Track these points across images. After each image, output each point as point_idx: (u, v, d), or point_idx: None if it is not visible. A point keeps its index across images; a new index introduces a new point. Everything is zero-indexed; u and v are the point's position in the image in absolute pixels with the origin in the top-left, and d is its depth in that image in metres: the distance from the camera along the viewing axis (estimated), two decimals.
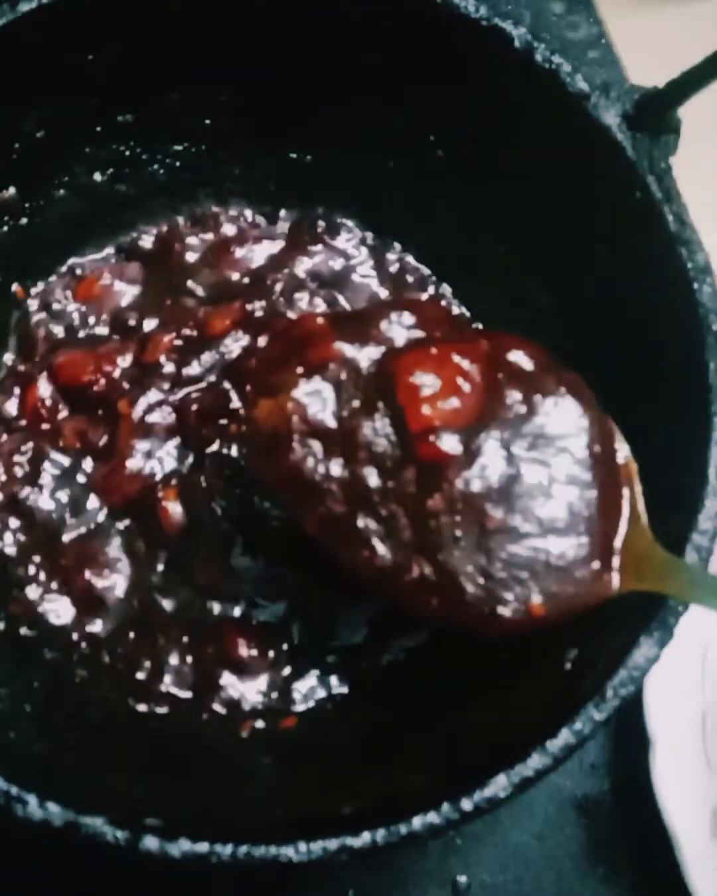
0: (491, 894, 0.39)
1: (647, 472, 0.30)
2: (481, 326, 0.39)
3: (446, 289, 0.40)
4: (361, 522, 0.29)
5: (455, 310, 0.39)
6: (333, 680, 0.34)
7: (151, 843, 0.26)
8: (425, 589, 0.28)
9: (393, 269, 0.39)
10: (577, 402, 0.30)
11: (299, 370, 0.30)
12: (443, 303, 0.40)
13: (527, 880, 0.39)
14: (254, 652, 0.33)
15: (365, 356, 0.30)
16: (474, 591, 0.28)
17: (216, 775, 0.31)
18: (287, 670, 0.34)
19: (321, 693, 0.34)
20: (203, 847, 0.26)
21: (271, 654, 0.34)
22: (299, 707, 0.34)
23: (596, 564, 0.28)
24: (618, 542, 0.29)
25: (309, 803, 0.29)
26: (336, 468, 0.29)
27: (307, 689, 0.34)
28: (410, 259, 0.40)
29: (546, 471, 0.29)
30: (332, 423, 0.29)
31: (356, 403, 0.30)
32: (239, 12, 0.35)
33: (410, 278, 0.39)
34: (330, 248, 0.38)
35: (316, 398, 0.30)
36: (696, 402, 0.31)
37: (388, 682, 0.34)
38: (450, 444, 0.29)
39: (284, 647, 0.34)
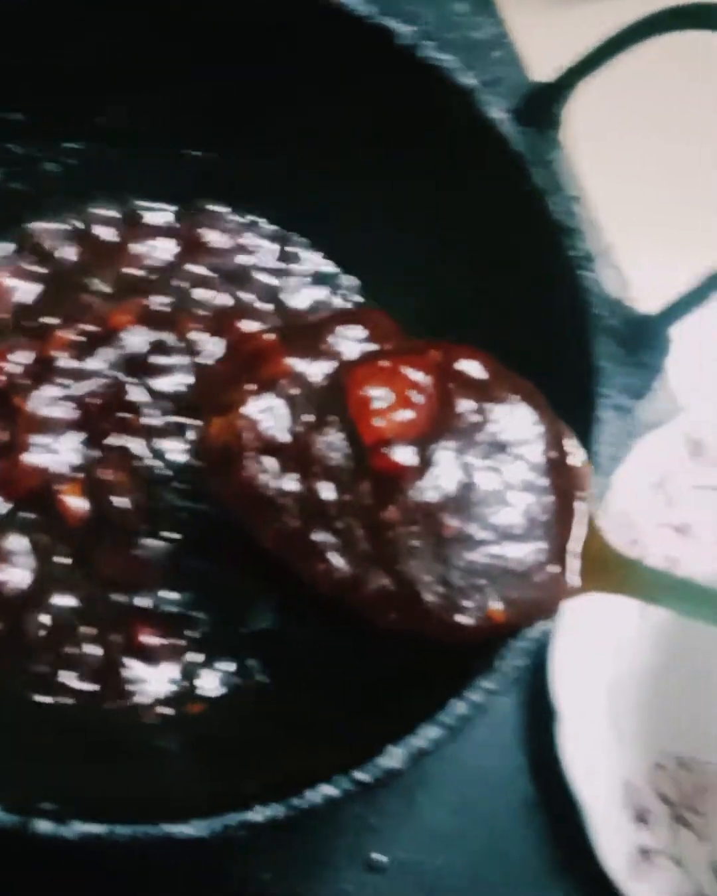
0: (407, 871, 0.39)
1: None
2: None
3: (353, 282, 0.41)
4: (317, 536, 0.29)
5: (360, 301, 0.40)
6: (240, 665, 0.35)
7: (43, 826, 0.26)
8: (385, 600, 0.29)
9: (298, 265, 0.40)
10: (530, 409, 0.31)
11: (250, 387, 0.30)
12: (357, 298, 0.41)
13: (443, 857, 0.40)
14: (160, 640, 0.33)
15: (316, 371, 0.31)
16: (434, 600, 0.28)
17: (121, 761, 0.31)
18: (194, 657, 0.34)
19: (228, 679, 0.34)
20: (99, 828, 0.26)
21: (178, 642, 0.34)
22: (206, 693, 0.34)
23: (554, 568, 0.29)
24: (575, 546, 0.30)
25: (214, 785, 0.30)
26: (290, 483, 0.29)
27: (214, 676, 0.34)
28: (315, 255, 0.41)
29: (502, 478, 0.30)
30: (285, 439, 0.30)
31: (309, 418, 0.30)
32: (127, 13, 0.36)
33: (313, 273, 0.40)
34: (234, 245, 0.39)
35: (268, 414, 0.30)
36: (582, 384, 0.33)
37: (294, 665, 0.34)
38: (404, 455, 0.29)
39: (191, 634, 0.34)
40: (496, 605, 0.28)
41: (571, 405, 0.33)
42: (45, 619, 0.34)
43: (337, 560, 0.29)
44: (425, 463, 0.29)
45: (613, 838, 0.38)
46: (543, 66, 0.52)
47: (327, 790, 0.28)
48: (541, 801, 0.40)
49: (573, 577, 0.29)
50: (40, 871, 0.35)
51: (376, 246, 0.40)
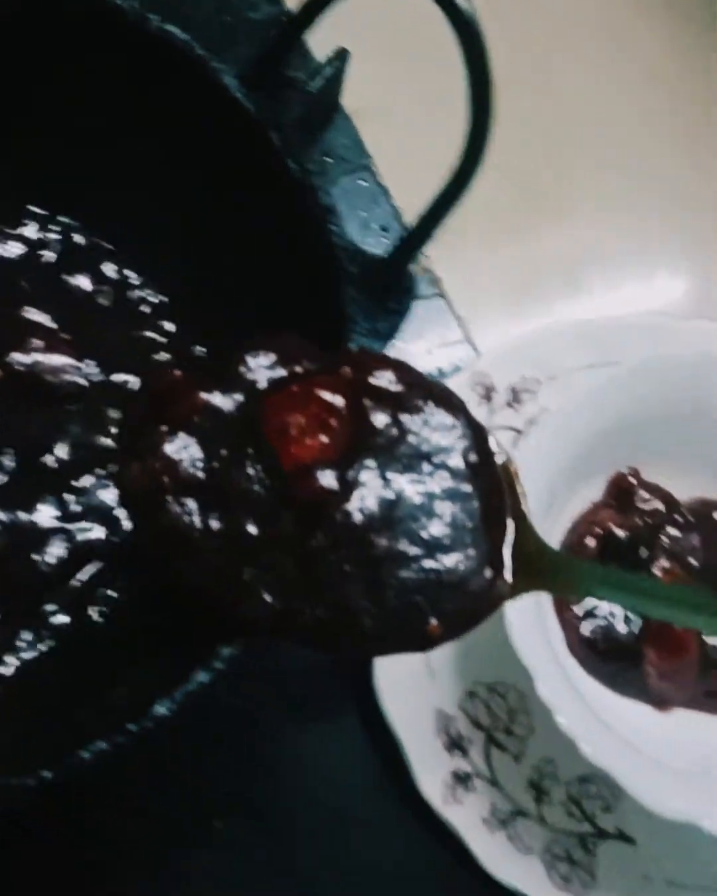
0: (245, 832, 0.40)
1: None
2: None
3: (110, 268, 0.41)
4: (246, 575, 0.28)
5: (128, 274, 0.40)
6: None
7: None
8: (322, 630, 0.28)
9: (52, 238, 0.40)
10: (448, 415, 0.30)
11: (163, 428, 0.29)
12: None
13: (277, 814, 0.41)
14: None
15: (229, 403, 0.30)
16: (370, 623, 0.28)
17: None
18: None
19: None
20: None
21: None
22: None
23: (488, 573, 0.29)
24: (507, 548, 0.29)
25: None
26: (214, 522, 0.29)
27: None
28: (78, 237, 0.41)
29: (426, 489, 0.29)
30: (203, 477, 0.29)
31: (225, 453, 0.29)
32: None
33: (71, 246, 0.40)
34: None
35: (185, 453, 0.29)
36: (334, 334, 0.34)
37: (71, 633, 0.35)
38: (325, 479, 0.29)
39: None
40: (433, 621, 0.28)
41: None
42: None
43: (267, 596, 0.28)
44: (348, 484, 0.29)
45: (428, 767, 0.40)
46: (324, 44, 0.53)
47: (99, 745, 0.28)
48: (367, 742, 0.41)
49: (508, 579, 0.29)
50: None
51: (134, 224, 0.40)
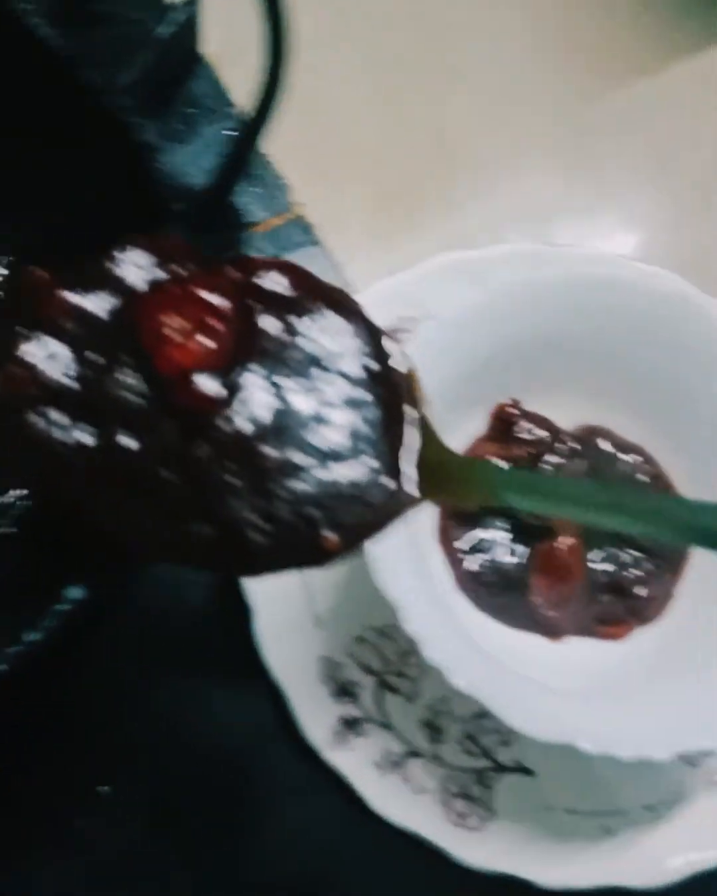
0: (129, 797, 0.39)
1: None
2: None
3: None
4: (124, 494, 0.26)
5: None
6: None
7: None
8: (208, 548, 0.27)
9: None
10: (343, 320, 0.29)
11: (22, 330, 0.27)
12: None
13: (163, 769, 0.40)
14: None
15: (101, 305, 0.27)
16: (261, 540, 0.26)
17: None
18: None
19: None
20: None
21: None
22: None
23: (388, 482, 0.27)
24: (410, 456, 0.28)
25: None
26: (85, 436, 0.26)
27: None
28: None
29: (320, 397, 0.28)
30: (72, 386, 0.27)
31: (97, 359, 0.27)
32: None
33: None
34: None
35: (50, 359, 0.27)
36: None
37: None
38: (208, 386, 0.27)
39: None
40: (329, 534, 0.27)
41: None
42: None
43: (149, 518, 0.26)
44: (234, 391, 0.27)
45: (315, 715, 0.39)
46: None
47: None
48: (250, 695, 0.41)
49: (410, 488, 0.28)
50: None
51: None
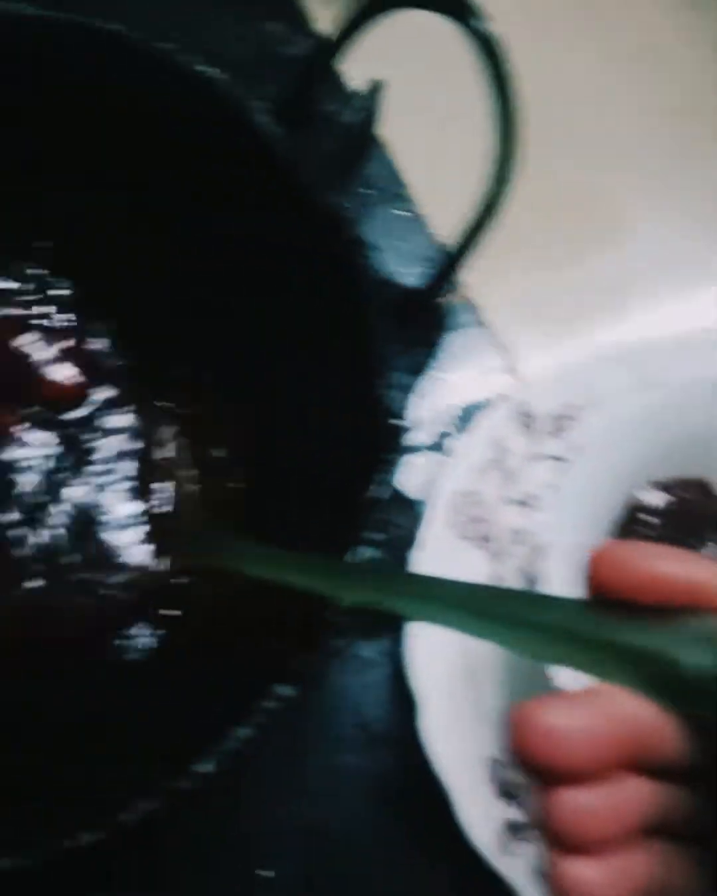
0: (295, 882, 0.39)
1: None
2: None
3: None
4: None
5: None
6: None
7: None
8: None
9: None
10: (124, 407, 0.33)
11: None
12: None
13: (327, 862, 0.39)
14: None
15: None
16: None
17: None
18: None
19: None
20: None
21: None
22: None
23: (144, 551, 0.31)
24: (165, 525, 0.31)
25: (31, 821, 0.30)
26: None
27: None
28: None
29: (83, 469, 0.31)
30: None
31: None
32: None
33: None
34: None
35: None
36: (362, 366, 0.33)
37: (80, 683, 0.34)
38: None
39: None
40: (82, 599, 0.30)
41: (357, 389, 0.33)
42: None
43: None
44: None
45: (480, 816, 0.38)
46: (360, 74, 0.53)
47: (145, 805, 0.27)
48: (412, 789, 0.40)
49: (165, 557, 0.31)
50: None
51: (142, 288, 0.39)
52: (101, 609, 0.29)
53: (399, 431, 0.32)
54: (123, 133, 0.36)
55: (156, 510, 0.31)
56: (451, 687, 0.40)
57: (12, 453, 0.30)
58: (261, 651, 0.30)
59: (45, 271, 0.38)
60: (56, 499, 0.30)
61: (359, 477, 0.31)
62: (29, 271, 0.37)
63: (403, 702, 0.41)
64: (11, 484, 0.29)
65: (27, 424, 0.30)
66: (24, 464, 0.30)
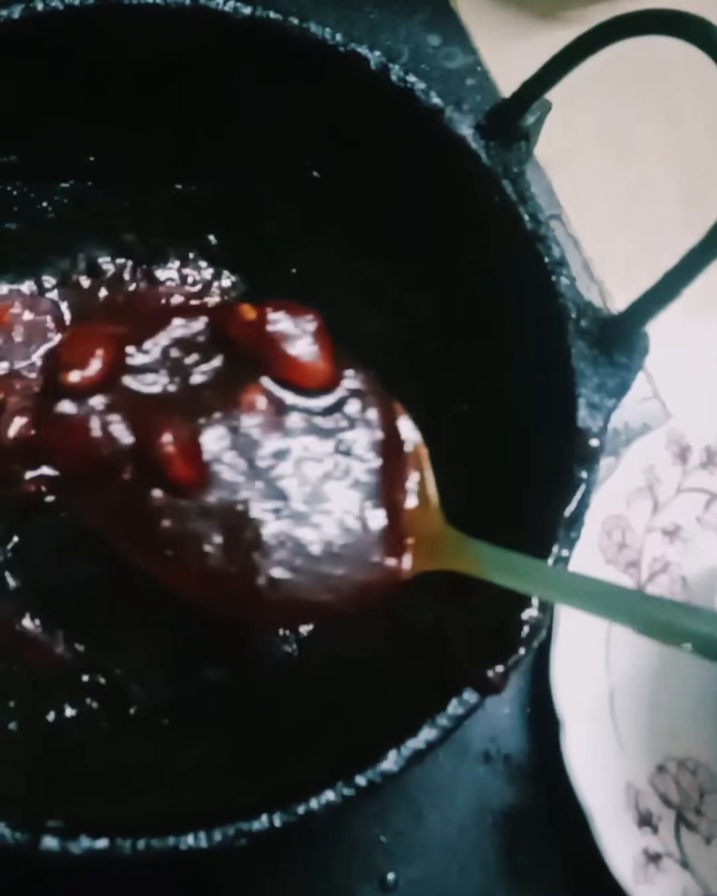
0: (419, 888, 0.39)
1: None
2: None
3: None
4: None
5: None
6: (215, 671, 0.35)
7: (50, 842, 0.26)
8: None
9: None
10: (359, 401, 0.31)
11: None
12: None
13: (453, 872, 0.39)
14: None
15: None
16: (262, 585, 0.28)
17: (117, 784, 0.31)
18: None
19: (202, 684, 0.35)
20: (103, 842, 0.26)
21: None
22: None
23: (384, 550, 0.29)
24: (407, 527, 0.30)
25: (212, 802, 0.30)
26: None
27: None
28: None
29: (326, 468, 0.30)
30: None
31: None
32: (110, 53, 0.37)
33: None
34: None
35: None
36: (561, 386, 0.33)
37: (275, 672, 0.34)
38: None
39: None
40: (326, 596, 0.29)
41: (552, 408, 0.33)
42: None
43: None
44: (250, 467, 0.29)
45: (619, 843, 0.38)
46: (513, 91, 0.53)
47: (328, 796, 0.28)
48: (547, 810, 0.40)
49: (406, 558, 0.29)
50: None
51: (349, 275, 0.40)
52: (329, 604, 0.29)
53: (595, 451, 0.32)
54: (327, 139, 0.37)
55: (402, 507, 0.30)
56: (592, 710, 0.40)
57: (261, 435, 0.30)
58: (449, 657, 0.30)
59: None
60: (302, 486, 0.29)
61: (554, 494, 0.31)
62: None
63: (536, 726, 0.41)
64: (256, 467, 0.29)
65: (272, 407, 0.30)
66: (271, 448, 0.29)
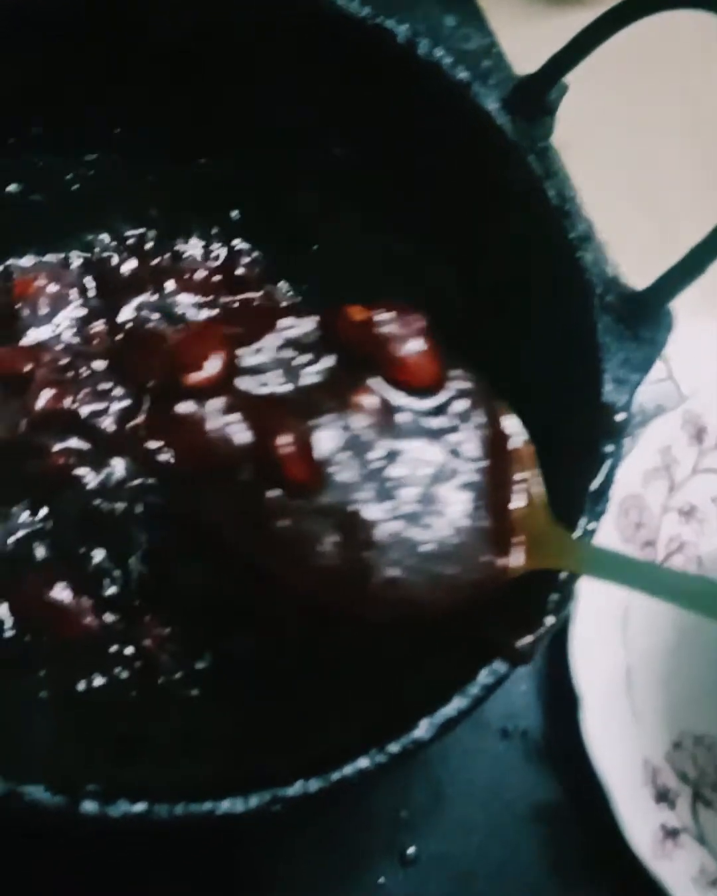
0: (439, 863, 0.39)
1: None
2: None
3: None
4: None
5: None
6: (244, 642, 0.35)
7: (89, 806, 0.26)
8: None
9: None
10: (468, 401, 0.31)
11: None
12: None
13: (473, 846, 0.40)
14: None
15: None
16: (377, 584, 0.29)
17: (149, 751, 0.31)
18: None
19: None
20: (141, 807, 0.26)
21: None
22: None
23: (493, 549, 0.30)
24: (515, 525, 0.30)
25: (245, 771, 0.30)
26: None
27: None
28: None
29: (437, 466, 0.30)
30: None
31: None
32: (135, 27, 0.37)
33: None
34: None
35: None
36: (586, 361, 0.33)
37: (303, 643, 0.35)
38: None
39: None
40: (436, 591, 0.29)
41: (578, 382, 0.34)
42: None
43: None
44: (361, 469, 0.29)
45: (637, 819, 0.38)
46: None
47: (362, 763, 0.28)
48: (564, 786, 0.40)
49: (513, 556, 0.29)
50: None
51: (376, 249, 0.40)
52: (440, 603, 0.29)
53: (621, 425, 0.32)
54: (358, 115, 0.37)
55: (509, 505, 0.30)
56: (610, 687, 0.40)
57: (372, 436, 0.30)
58: (479, 628, 0.30)
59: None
60: (413, 486, 0.29)
61: (580, 469, 0.32)
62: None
63: (553, 703, 0.41)
64: (368, 468, 0.29)
65: (383, 408, 0.30)
66: (382, 449, 0.30)
